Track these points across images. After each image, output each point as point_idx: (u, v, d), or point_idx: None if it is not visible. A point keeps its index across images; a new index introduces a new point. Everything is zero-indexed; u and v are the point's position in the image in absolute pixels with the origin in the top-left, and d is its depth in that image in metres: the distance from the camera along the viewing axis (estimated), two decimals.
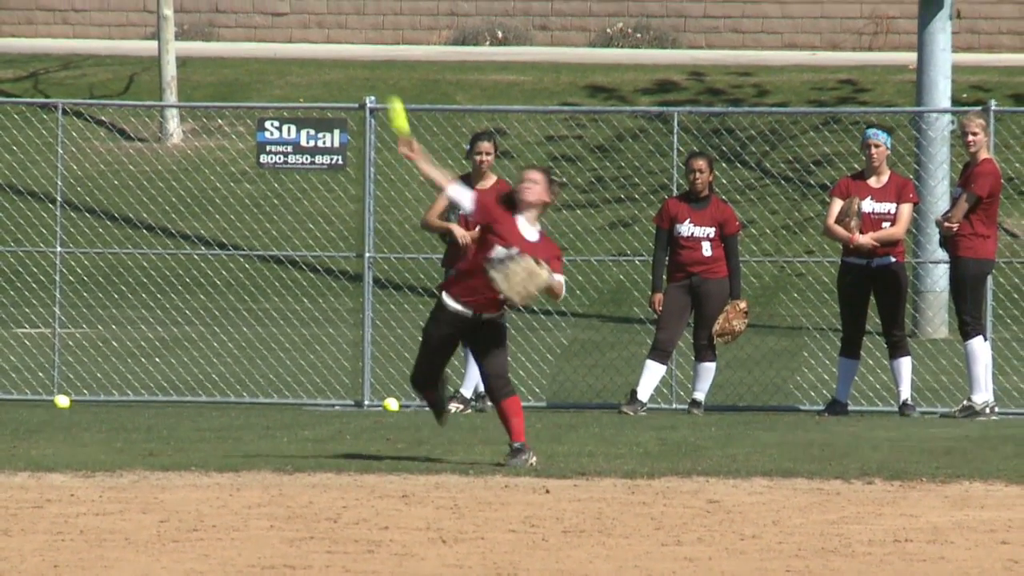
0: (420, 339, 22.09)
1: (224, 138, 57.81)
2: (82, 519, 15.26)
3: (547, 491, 17.65)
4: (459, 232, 28.16)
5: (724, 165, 46.65)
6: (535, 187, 20.28)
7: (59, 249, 33.86)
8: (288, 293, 48.01)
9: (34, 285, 40.39)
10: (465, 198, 21.56)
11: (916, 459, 21.69)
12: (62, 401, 30.66)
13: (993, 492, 19.20)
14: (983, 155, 29.48)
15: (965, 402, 27.79)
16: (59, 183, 35.84)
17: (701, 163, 30.53)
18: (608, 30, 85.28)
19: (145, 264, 47.55)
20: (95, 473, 19.67)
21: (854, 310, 30.38)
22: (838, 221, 30.64)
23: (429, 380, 21.60)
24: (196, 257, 47.36)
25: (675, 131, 35.41)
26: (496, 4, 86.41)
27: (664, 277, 29.77)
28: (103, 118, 58.94)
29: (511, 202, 20.49)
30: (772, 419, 29.89)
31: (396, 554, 12.76)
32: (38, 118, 49.54)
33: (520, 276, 19.89)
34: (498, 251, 21.13)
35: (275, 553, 13.24)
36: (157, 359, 36.80)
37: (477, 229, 23.84)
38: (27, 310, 40.62)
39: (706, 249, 29.57)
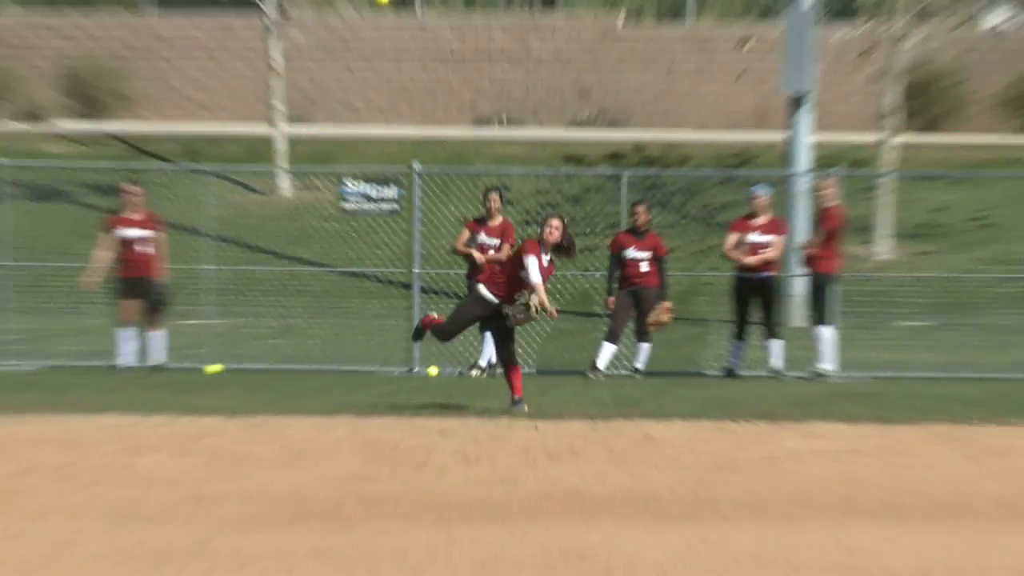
0: (454, 315, 25.24)
1: (317, 192, 57.52)
2: (227, 446, 18.51)
3: (536, 428, 20.24)
4: (478, 256, 30.84)
5: (657, 209, 46.88)
6: (555, 232, 23.59)
7: (212, 267, 38.08)
8: (362, 297, 47.65)
9: (196, 291, 42.65)
10: (534, 268, 23.47)
11: (783, 407, 24.04)
12: (212, 367, 32.15)
13: (834, 429, 22.39)
14: (832, 203, 31.63)
15: (816, 369, 30.02)
16: (212, 222, 40.94)
17: (641, 208, 32.95)
18: (578, 116, 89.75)
19: (267, 277, 47.14)
20: (235, 416, 22.27)
21: (743, 308, 32.18)
22: (733, 248, 33.25)
23: (451, 338, 25.16)
24: (301, 272, 49.63)
25: (624, 187, 36.42)
26: (502, 100, 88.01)
27: (615, 285, 31.28)
28: (238, 179, 58.01)
29: (543, 244, 23.70)
30: (687, 381, 31.68)
31: (436, 470, 15.94)
32: (194, 179, 47.44)
33: (534, 302, 23.31)
34: (526, 294, 24.21)
35: (355, 470, 16.61)
36: (277, 340, 39.09)
37: (490, 252, 29.51)
38: (192, 308, 40.11)
39: (644, 267, 31.36)
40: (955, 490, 15.12)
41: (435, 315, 26.43)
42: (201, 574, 9.41)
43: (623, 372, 30.85)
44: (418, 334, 25.82)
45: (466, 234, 30.03)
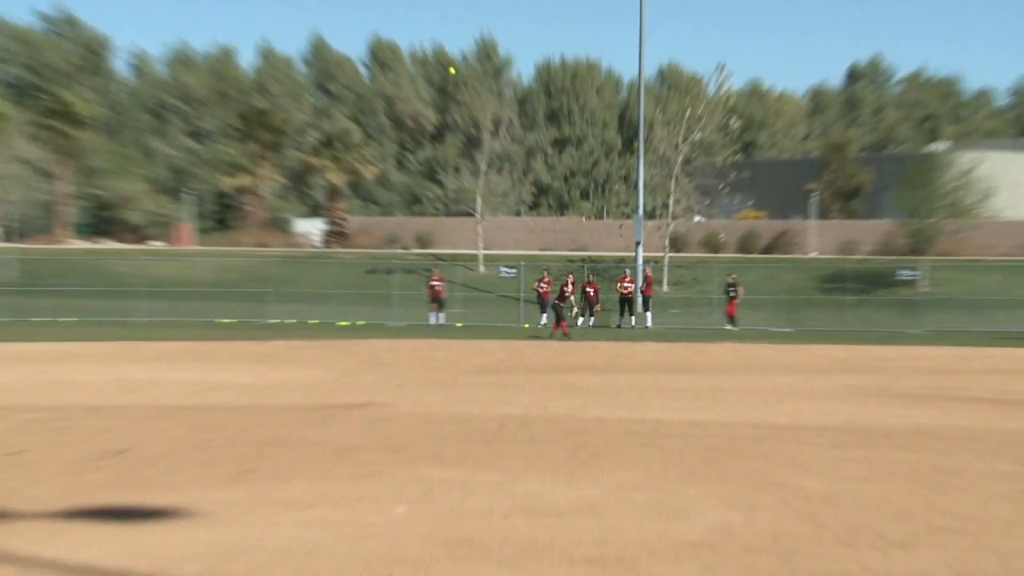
0: (551, 309, 53.85)
1: (492, 269, 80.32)
2: (441, 360, 35.81)
3: (551, 346, 45.28)
4: (541, 290, 58.81)
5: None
6: (571, 283, 57.19)
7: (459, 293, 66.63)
8: (504, 304, 69.14)
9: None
10: (566, 294, 54.77)
11: (640, 335, 50.94)
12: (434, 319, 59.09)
13: (651, 347, 44.62)
14: (648, 274, 62.17)
15: (648, 325, 57.48)
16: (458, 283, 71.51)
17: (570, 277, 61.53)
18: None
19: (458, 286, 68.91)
20: (425, 340, 46.94)
21: (623, 307, 60.77)
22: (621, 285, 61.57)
23: (559, 319, 49.20)
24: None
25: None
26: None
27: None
28: (459, 263, 79.20)
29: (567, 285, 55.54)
30: (594, 344, 47.19)
31: (529, 356, 39.41)
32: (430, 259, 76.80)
33: (565, 306, 51.42)
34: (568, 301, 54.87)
35: (486, 380, 29.16)
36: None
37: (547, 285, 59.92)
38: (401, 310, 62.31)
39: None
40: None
41: (557, 320, 51.68)
42: None
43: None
44: (556, 321, 51.68)
45: (536, 281, 60.39)
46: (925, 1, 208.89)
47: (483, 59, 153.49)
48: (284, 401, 21.43)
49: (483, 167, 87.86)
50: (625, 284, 61.32)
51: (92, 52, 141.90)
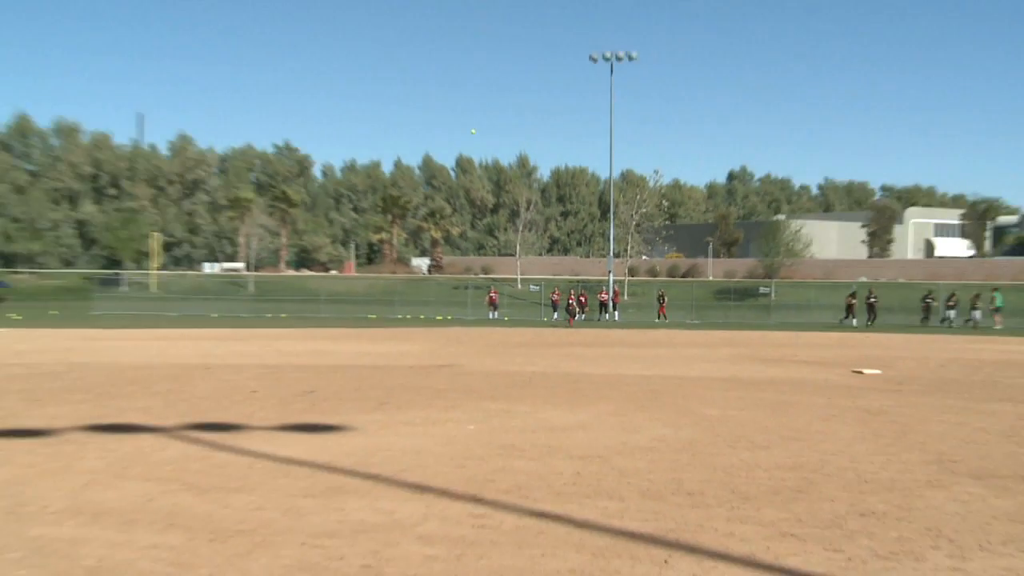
0: (564, 310, 53.72)
1: (525, 286, 76.27)
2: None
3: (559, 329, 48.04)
4: (554, 298, 56.35)
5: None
6: (583, 294, 55.53)
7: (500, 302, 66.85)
8: (533, 307, 66.91)
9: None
10: (573, 302, 53.60)
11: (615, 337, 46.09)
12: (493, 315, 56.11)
13: (617, 332, 47.06)
14: (615, 288, 60.46)
15: (616, 319, 57.15)
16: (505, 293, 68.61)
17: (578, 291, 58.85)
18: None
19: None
20: (485, 328, 52.86)
21: (601, 308, 57.95)
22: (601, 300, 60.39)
23: (572, 315, 49.96)
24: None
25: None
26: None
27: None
28: (506, 283, 74.74)
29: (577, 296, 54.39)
30: (585, 330, 47.83)
31: (534, 336, 47.89)
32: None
33: (575, 309, 52.18)
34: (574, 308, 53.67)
35: (521, 350, 30.02)
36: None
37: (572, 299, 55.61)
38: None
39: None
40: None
41: (567, 315, 52.86)
42: None
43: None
44: (570, 316, 51.99)
45: (551, 294, 59.60)
46: (775, 128, 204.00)
47: (520, 166, 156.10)
48: (404, 363, 20.99)
49: (520, 228, 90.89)
50: (602, 295, 61.10)
51: (301, 164, 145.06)
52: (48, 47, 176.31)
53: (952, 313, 52.01)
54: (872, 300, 53.76)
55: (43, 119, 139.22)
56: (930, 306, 54.53)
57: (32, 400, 13.28)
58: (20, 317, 47.01)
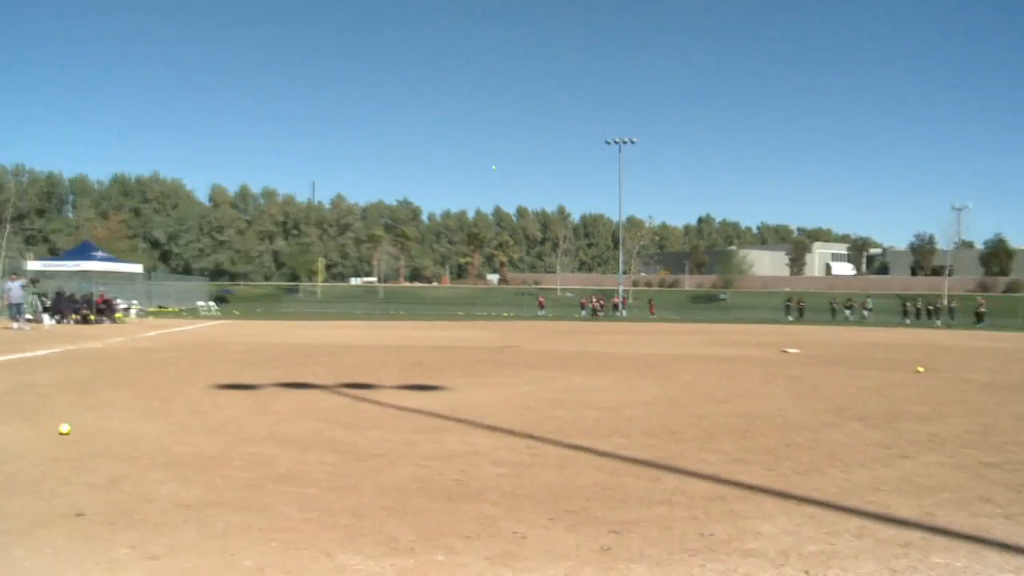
0: (589, 311, 55.77)
1: (564, 294, 75.20)
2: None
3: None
4: (583, 301, 62.54)
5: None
6: (601, 298, 55.53)
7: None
8: (570, 307, 66.51)
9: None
10: (590, 302, 55.72)
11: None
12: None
13: (625, 324, 47.14)
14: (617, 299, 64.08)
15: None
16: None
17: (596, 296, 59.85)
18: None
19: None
20: (536, 321, 53.25)
21: (615, 308, 58.74)
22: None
23: (593, 313, 51.12)
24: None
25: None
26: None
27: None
28: (550, 292, 75.83)
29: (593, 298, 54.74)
30: (607, 323, 45.18)
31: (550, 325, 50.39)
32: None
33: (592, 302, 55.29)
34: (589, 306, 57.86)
35: (564, 336, 30.73)
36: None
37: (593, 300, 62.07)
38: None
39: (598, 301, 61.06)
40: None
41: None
42: None
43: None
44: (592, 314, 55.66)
45: (581, 299, 63.28)
46: (728, 187, 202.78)
47: (559, 212, 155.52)
48: (481, 344, 20.33)
49: (559, 254, 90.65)
50: (615, 300, 60.62)
51: (414, 212, 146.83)
52: (257, 138, 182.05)
53: (848, 311, 54.38)
54: (801, 304, 54.37)
55: (255, 186, 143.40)
56: (834, 307, 56.02)
57: (245, 366, 13.26)
58: (238, 314, 47.63)
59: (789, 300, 56.41)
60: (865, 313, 52.80)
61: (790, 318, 52.49)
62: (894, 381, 12.13)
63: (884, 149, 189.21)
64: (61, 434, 6.45)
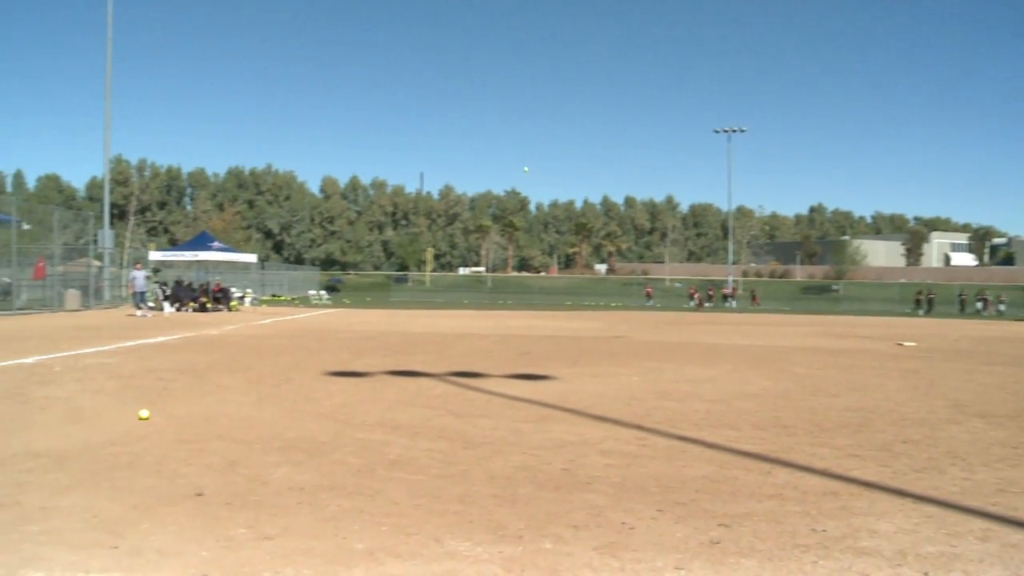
0: (695, 301, 55.48)
1: (672, 285, 74.62)
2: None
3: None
4: (691, 291, 61.97)
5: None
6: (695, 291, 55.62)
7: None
8: (678, 297, 65.16)
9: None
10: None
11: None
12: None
13: (737, 315, 43.67)
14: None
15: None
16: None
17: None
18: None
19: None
20: (644, 312, 53.32)
21: (725, 298, 60.89)
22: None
23: (700, 303, 50.74)
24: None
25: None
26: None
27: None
28: (659, 282, 73.87)
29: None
30: (713, 314, 43.39)
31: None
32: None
33: (704, 299, 52.68)
34: None
35: (670, 327, 29.49)
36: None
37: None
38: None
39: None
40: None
41: None
42: None
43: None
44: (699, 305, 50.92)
45: (690, 290, 61.91)
46: (842, 176, 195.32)
47: (667, 202, 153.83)
48: (589, 334, 19.96)
49: (667, 244, 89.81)
50: (725, 290, 59.88)
51: (521, 202, 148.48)
52: (367, 130, 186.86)
53: (980, 304, 52.39)
54: (931, 296, 52.87)
55: (365, 177, 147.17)
56: (963, 299, 53.77)
57: (356, 353, 13.38)
58: (349, 302, 48.91)
59: (919, 293, 54.19)
60: (1001, 307, 49.65)
61: (920, 311, 50.42)
62: (1020, 377, 11.54)
63: (1006, 133, 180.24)
64: (141, 419, 6.55)
